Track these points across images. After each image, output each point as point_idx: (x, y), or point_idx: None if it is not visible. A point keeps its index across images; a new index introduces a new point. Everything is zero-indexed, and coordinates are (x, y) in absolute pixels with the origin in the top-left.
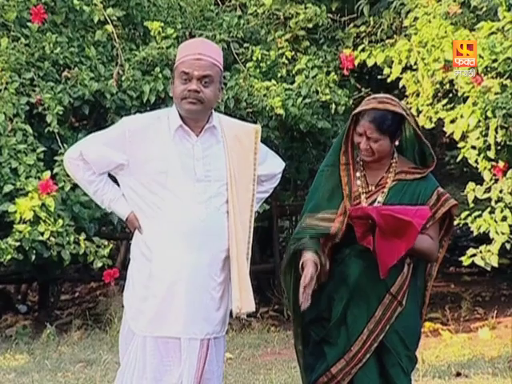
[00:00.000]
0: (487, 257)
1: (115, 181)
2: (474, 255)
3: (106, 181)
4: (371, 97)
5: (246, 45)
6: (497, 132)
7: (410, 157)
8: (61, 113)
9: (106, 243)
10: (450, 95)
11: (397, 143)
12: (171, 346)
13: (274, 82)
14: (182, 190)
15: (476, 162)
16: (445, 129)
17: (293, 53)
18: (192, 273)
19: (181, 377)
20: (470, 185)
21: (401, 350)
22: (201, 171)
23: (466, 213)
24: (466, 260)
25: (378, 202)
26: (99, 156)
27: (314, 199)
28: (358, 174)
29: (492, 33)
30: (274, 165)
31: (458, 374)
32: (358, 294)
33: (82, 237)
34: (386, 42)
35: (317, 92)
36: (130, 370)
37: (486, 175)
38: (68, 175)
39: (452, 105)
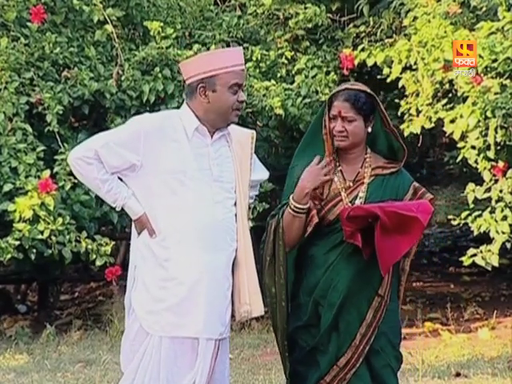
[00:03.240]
0: (487, 256)
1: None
2: (475, 255)
3: (117, 180)
4: (342, 84)
5: (245, 45)
6: (496, 132)
7: (383, 150)
8: (60, 112)
9: (108, 241)
10: (450, 95)
11: (369, 130)
12: (185, 347)
13: (273, 81)
14: (201, 189)
15: (476, 162)
16: (444, 129)
17: (292, 53)
18: (212, 273)
19: (193, 377)
20: (470, 185)
21: (389, 351)
22: (216, 171)
23: (466, 213)
24: (466, 260)
25: (360, 198)
26: (114, 156)
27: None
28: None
29: (492, 33)
30: (263, 172)
31: (458, 374)
32: (349, 300)
33: (83, 235)
34: (386, 41)
35: (316, 92)
36: (143, 371)
37: (486, 175)
38: (68, 174)
39: (452, 105)
